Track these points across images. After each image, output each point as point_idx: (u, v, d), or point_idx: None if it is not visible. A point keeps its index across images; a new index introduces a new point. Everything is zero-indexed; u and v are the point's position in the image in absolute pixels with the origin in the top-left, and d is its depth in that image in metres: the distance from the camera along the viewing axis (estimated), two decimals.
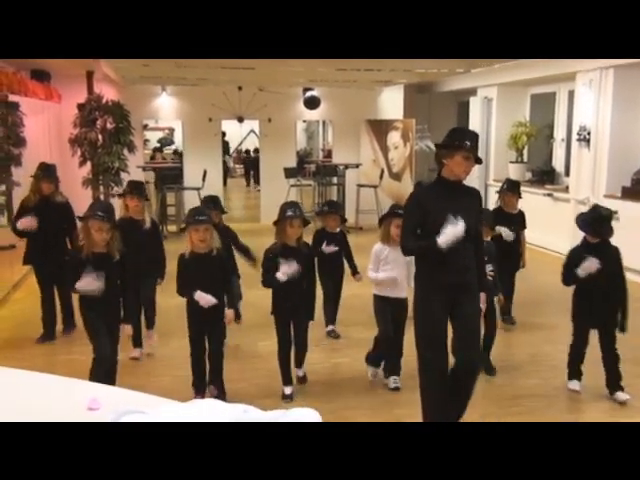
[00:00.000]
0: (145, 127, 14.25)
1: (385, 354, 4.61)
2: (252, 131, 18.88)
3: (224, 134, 15.49)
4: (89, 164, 8.92)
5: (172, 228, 10.65)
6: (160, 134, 20.42)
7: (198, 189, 10.79)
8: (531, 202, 5.54)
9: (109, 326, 4.00)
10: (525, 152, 10.68)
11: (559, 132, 10.08)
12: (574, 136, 8.87)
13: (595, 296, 4.30)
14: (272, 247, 4.34)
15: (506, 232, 5.78)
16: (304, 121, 16.86)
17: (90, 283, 3.86)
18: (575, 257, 4.36)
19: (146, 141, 16.22)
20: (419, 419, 3.67)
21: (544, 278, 7.14)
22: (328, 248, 5.51)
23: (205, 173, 11.37)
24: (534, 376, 4.85)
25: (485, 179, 11.17)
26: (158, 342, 5.40)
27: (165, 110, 11.96)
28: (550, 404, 4.35)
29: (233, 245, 5.33)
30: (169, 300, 4.92)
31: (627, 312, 4.31)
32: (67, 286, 4.09)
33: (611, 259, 4.29)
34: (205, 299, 4.07)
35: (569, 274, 4.35)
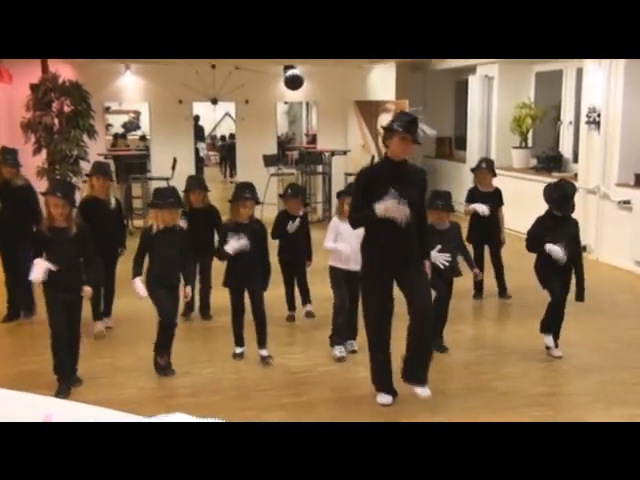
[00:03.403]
0: (107, 110, 14.17)
1: (342, 325, 5.34)
2: (227, 114, 18.83)
3: (196, 118, 15.45)
4: (44, 152, 8.86)
5: (139, 223, 10.50)
6: (124, 118, 20.28)
7: (167, 179, 10.71)
8: (536, 191, 5.60)
9: (67, 304, 4.64)
10: (529, 136, 10.74)
11: (566, 114, 10.16)
12: (583, 119, 8.93)
13: (556, 263, 5.13)
14: (226, 223, 5.33)
15: (481, 207, 6.56)
16: (285, 103, 16.84)
17: (37, 273, 4.48)
18: (540, 226, 5.24)
19: (108, 126, 16.11)
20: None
21: None
22: (292, 226, 6.07)
23: (175, 161, 11.32)
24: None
25: None
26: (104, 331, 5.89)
27: (130, 91, 11.88)
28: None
29: (215, 227, 6.00)
30: (136, 306, 4.99)
31: (583, 282, 5.27)
32: (29, 261, 4.66)
33: (572, 232, 5.26)
34: (141, 290, 4.81)
35: (534, 242, 5.22)
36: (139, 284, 4.85)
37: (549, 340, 5.38)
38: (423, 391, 4.34)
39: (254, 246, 5.14)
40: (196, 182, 6.36)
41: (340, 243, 5.21)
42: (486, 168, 6.88)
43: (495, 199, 6.82)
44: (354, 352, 5.35)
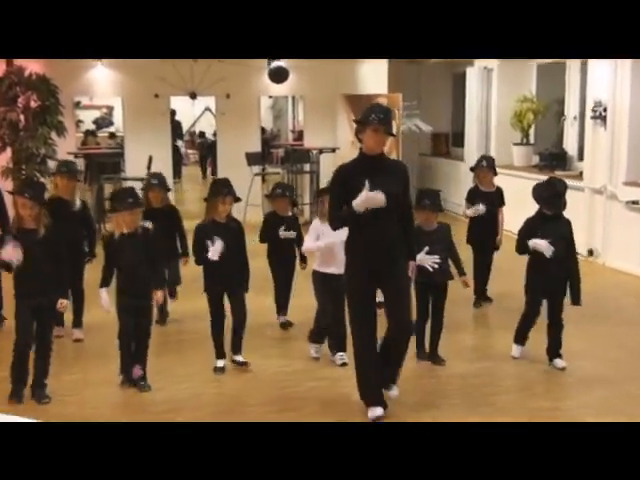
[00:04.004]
0: (77, 105, 14.11)
1: (325, 330, 5.46)
2: (207, 109, 18.81)
3: (174, 113, 15.44)
4: (9, 150, 8.84)
5: (112, 227, 10.44)
6: (96, 114, 20.23)
7: (142, 179, 10.71)
8: None
9: (36, 311, 4.72)
10: (531, 132, 10.83)
11: (570, 109, 10.22)
12: (588, 113, 9.00)
13: (548, 267, 5.21)
14: (202, 223, 5.30)
15: (477, 208, 6.68)
16: (270, 97, 16.84)
17: (9, 252, 4.56)
18: (530, 227, 5.31)
19: (79, 122, 16.06)
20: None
21: None
22: (285, 233, 6.13)
23: (150, 160, 11.28)
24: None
25: None
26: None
27: (102, 85, 11.87)
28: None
29: (175, 229, 6.27)
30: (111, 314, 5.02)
31: (579, 284, 5.32)
32: None
33: (564, 231, 5.28)
34: (106, 303, 4.92)
35: (523, 244, 5.30)
36: (104, 296, 4.93)
37: (516, 351, 5.55)
38: (392, 392, 4.62)
39: (233, 246, 5.22)
40: (155, 180, 6.41)
41: (322, 241, 5.27)
42: (487, 166, 6.96)
43: (497, 199, 6.93)
44: (344, 365, 5.34)
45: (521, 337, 5.56)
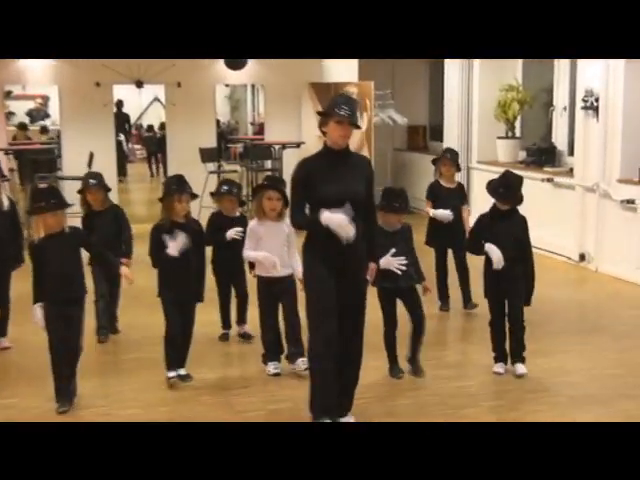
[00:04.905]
0: (8, 95, 13.98)
1: (273, 345, 5.62)
2: (156, 99, 18.73)
3: (118, 104, 15.32)
4: None
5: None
6: (30, 104, 20.01)
7: (82, 179, 10.61)
8: (526, 190, 5.71)
9: None
10: (517, 125, 10.94)
11: (559, 98, 10.35)
12: (578, 103, 9.12)
13: (502, 267, 5.40)
14: (159, 224, 5.37)
15: (442, 214, 6.84)
16: (226, 86, 16.85)
17: None
18: (483, 225, 5.59)
19: (9, 114, 15.88)
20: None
21: (547, 291, 7.26)
22: (232, 232, 6.11)
23: (92, 157, 11.23)
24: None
25: (467, 160, 11.38)
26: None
27: (35, 72, 11.74)
28: None
29: (121, 231, 6.31)
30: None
31: (532, 285, 5.57)
32: None
33: (518, 228, 5.54)
34: (40, 321, 4.93)
35: (477, 244, 5.59)
36: (37, 313, 4.95)
37: (498, 367, 5.66)
38: (347, 420, 4.67)
39: (191, 249, 5.33)
40: (93, 179, 6.40)
41: (261, 252, 5.48)
42: (450, 159, 7.19)
43: (459, 196, 7.23)
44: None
45: (499, 352, 5.69)
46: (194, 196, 5.54)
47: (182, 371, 5.48)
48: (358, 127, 4.54)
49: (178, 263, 5.27)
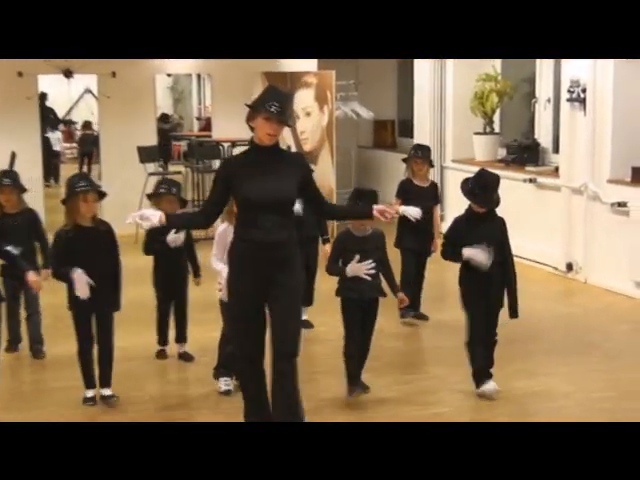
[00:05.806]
0: None
1: (230, 357, 5.60)
2: (88, 91, 18.58)
3: (41, 97, 15.10)
4: None
5: None
6: None
7: None
8: (506, 191, 5.72)
9: None
10: (496, 119, 10.98)
11: (543, 89, 10.40)
12: (564, 95, 9.17)
13: (480, 273, 5.49)
14: (62, 230, 5.41)
15: (411, 210, 6.66)
16: (168, 75, 16.74)
17: None
18: (458, 229, 5.67)
19: None
20: None
21: (531, 305, 7.27)
22: (173, 236, 6.15)
23: (13, 157, 11.05)
24: None
25: (440, 159, 11.39)
26: None
27: None
28: None
29: (35, 236, 6.43)
30: None
31: (516, 293, 5.62)
32: None
33: (498, 230, 5.63)
34: None
35: (452, 249, 5.64)
36: None
37: (489, 386, 5.67)
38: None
39: (103, 255, 5.42)
40: (6, 179, 6.41)
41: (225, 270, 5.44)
42: (422, 157, 7.36)
43: (431, 196, 7.44)
44: None
45: (485, 369, 5.70)
46: (102, 194, 5.54)
47: (107, 391, 5.57)
48: (288, 125, 4.71)
49: (86, 270, 5.25)
